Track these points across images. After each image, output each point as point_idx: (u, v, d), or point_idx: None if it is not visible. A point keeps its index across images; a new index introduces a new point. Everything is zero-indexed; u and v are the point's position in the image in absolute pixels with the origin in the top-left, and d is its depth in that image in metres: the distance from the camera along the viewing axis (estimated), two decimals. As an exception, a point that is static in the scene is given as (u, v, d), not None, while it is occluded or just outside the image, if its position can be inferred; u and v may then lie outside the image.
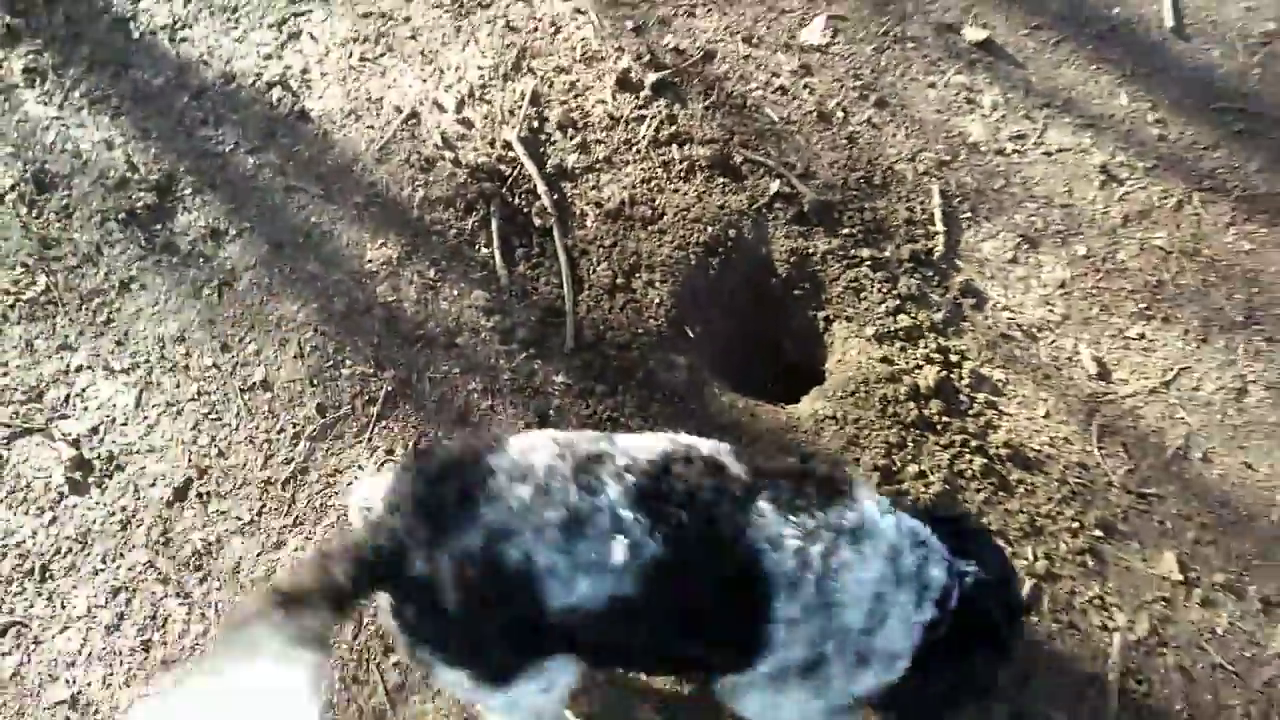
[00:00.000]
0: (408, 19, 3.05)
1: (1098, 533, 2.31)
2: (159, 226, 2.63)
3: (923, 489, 2.30)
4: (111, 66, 2.88)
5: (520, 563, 1.43)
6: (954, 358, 2.53)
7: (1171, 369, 2.54)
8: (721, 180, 2.77)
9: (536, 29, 3.03)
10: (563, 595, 1.45)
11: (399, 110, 2.86)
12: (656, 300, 2.58)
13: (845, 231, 2.71)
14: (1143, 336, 2.59)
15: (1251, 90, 3.02)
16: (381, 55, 2.97)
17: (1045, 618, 2.20)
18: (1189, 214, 2.79)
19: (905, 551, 1.58)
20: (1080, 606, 2.23)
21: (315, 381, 2.44)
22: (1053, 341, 2.58)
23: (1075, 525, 2.31)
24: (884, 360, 2.49)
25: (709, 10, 3.10)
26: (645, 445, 1.58)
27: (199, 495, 2.30)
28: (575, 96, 2.90)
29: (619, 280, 2.60)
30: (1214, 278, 2.67)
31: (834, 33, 3.07)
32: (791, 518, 1.52)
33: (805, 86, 2.98)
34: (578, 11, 3.06)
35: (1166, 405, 2.49)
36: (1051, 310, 2.63)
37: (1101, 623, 2.21)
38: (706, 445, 1.62)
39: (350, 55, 2.97)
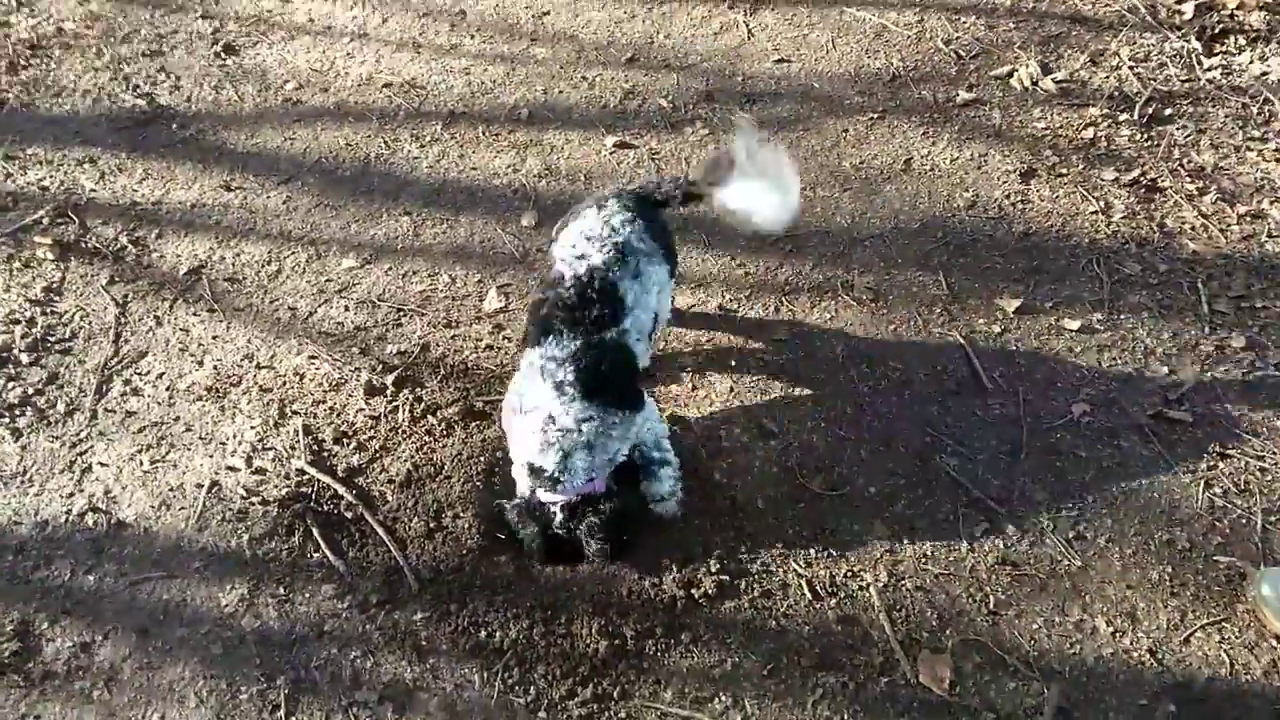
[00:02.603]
0: (178, 418, 3.68)
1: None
2: (32, 665, 2.95)
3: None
4: (-74, 564, 3.22)
5: None
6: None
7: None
8: (475, 423, 3.60)
9: (285, 382, 3.79)
10: None
11: (200, 486, 3.44)
12: (466, 525, 3.27)
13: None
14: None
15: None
16: (168, 453, 3.56)
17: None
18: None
19: None
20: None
21: (221, 716, 2.83)
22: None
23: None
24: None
25: (410, 317, 4.04)
26: None
27: None
28: (338, 415, 3.65)
29: (432, 525, 3.27)
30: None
31: (506, 297, 4.11)
32: None
33: (504, 338, 3.95)
34: (311, 358, 3.87)
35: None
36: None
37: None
38: None
39: (141, 464, 3.53)
